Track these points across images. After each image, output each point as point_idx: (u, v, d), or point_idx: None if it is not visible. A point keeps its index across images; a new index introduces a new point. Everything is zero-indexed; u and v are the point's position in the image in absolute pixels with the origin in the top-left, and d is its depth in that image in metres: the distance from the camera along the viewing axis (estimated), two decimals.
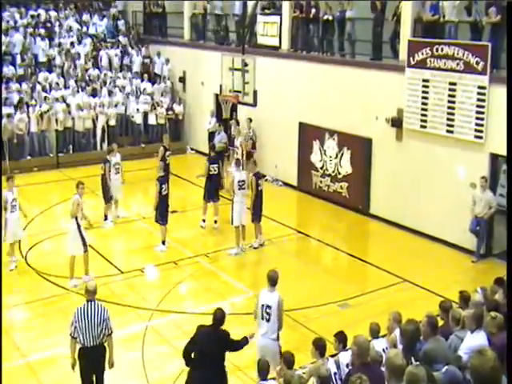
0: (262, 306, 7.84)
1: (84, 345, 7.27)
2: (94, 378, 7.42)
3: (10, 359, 8.96)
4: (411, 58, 13.62)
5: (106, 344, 7.37)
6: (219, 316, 7.15)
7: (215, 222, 14.33)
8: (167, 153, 15.41)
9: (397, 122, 14.08)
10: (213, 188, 14.34)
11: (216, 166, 14.37)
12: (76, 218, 11.30)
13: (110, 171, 14.28)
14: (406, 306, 9.27)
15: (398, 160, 14.27)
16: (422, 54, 13.39)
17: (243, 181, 13.00)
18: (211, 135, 19.66)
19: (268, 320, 7.78)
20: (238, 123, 18.41)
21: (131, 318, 9.79)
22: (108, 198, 14.35)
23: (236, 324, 10.08)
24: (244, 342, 7.40)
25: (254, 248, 13.21)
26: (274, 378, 6.80)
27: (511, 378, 4.12)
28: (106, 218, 14.44)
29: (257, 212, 13.09)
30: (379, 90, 14.51)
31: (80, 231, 11.34)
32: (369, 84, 14.81)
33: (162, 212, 12.92)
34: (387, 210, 14.62)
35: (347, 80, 15.48)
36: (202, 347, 6.99)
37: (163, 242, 12.96)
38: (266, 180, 17.97)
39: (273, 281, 7.88)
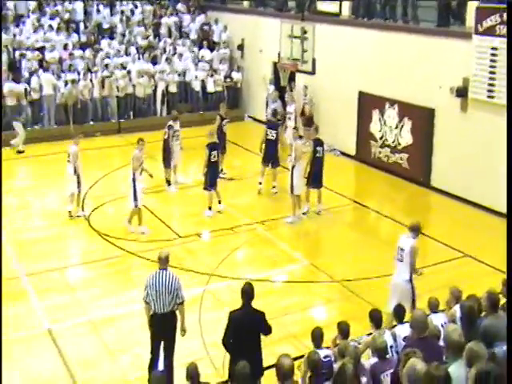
0: (398, 247, 8.63)
1: (155, 311, 7.37)
2: (163, 343, 7.53)
3: (74, 316, 9.35)
4: (479, 25, 13.08)
5: (177, 312, 7.46)
6: (247, 290, 6.94)
7: (273, 187, 14.40)
8: (224, 121, 15.43)
9: (462, 92, 13.63)
10: (271, 153, 14.37)
11: (274, 131, 14.39)
12: (133, 173, 11.76)
13: (172, 137, 14.48)
14: (466, 282, 9.12)
15: (462, 131, 13.85)
16: (491, 20, 12.83)
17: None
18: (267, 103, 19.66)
19: (401, 261, 8.47)
20: (291, 90, 18.20)
21: (189, 281, 9.96)
22: (169, 163, 14.58)
23: (291, 292, 10.22)
24: None
25: (317, 214, 13.19)
26: (328, 347, 6.83)
27: (511, 378, 4.04)
28: (168, 184, 14.69)
29: (314, 178, 13.01)
30: (444, 58, 14.05)
31: (134, 186, 11.78)
32: (433, 52, 14.35)
33: (211, 179, 13.03)
34: (449, 182, 14.28)
35: (410, 48, 15.04)
36: (237, 333, 6.84)
37: (209, 208, 13.11)
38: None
39: (415, 230, 8.59)
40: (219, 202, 13.30)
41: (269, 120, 15.00)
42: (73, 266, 10.95)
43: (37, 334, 8.92)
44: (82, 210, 13.23)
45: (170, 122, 14.73)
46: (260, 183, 14.51)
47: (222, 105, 16.36)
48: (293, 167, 12.81)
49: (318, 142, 13.13)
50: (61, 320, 9.24)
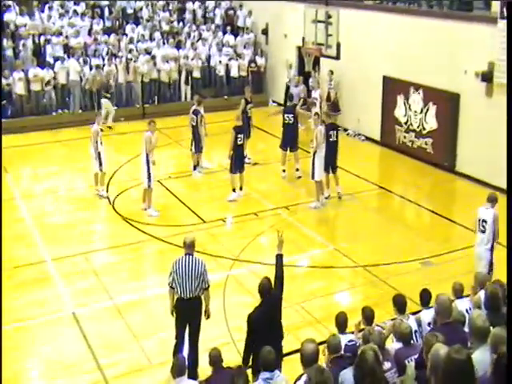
0: (479, 220, 9.21)
1: (180, 296, 7.37)
2: (188, 328, 7.56)
3: (99, 300, 9.48)
4: (504, 9, 12.82)
5: (202, 297, 7.49)
6: (266, 286, 6.78)
7: (297, 170, 14.43)
8: (248, 105, 15.39)
9: (487, 77, 13.40)
10: (289, 137, 14.42)
11: (292, 115, 14.44)
12: (147, 155, 12.00)
13: (200, 122, 14.61)
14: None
15: (488, 116, 13.65)
16: None
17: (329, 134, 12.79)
18: (288, 87, 19.63)
19: (483, 232, 9.08)
20: (316, 75, 18.08)
21: (213, 266, 9.99)
22: (198, 148, 14.66)
23: (315, 277, 10.24)
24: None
25: (339, 198, 13.19)
26: (352, 332, 6.83)
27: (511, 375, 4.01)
28: (194, 168, 14.78)
29: (329, 163, 12.93)
30: (469, 42, 13.81)
31: (148, 168, 12.10)
32: (458, 36, 14.13)
33: (236, 161, 13.09)
34: (474, 167, 14.11)
35: (435, 32, 14.82)
36: (258, 332, 6.69)
37: (234, 190, 13.19)
38: (348, 134, 17.83)
39: (493, 200, 9.15)
40: (240, 188, 13.35)
41: (285, 105, 14.94)
42: (98, 251, 11.07)
43: (62, 318, 9.06)
44: (107, 190, 13.40)
45: (195, 107, 14.76)
46: (284, 171, 14.54)
47: (247, 88, 16.31)
48: (314, 153, 12.73)
49: (332, 126, 13.12)
50: (85, 304, 9.37)
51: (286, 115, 14.50)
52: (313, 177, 12.71)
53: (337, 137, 13.12)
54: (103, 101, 18.44)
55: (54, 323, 8.94)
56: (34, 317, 9.03)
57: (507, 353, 4.22)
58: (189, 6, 23.05)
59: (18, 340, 8.57)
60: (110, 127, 18.07)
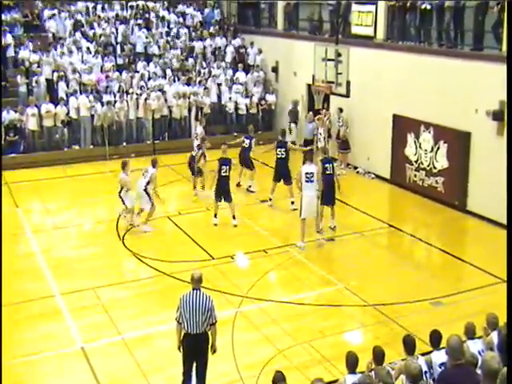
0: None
1: (188, 331, 7.35)
2: (195, 364, 7.52)
3: (107, 335, 9.42)
4: None
5: (209, 332, 7.45)
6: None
7: (292, 203, 14.60)
8: (246, 141, 16.01)
9: (499, 116, 13.43)
10: (281, 171, 14.95)
11: (283, 149, 14.94)
12: (146, 186, 13.27)
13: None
14: (503, 308, 8.86)
15: (499, 155, 13.60)
16: None
17: (311, 173, 12.57)
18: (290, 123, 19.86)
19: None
20: (319, 114, 18.17)
21: (222, 303, 9.95)
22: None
23: (324, 316, 10.12)
24: None
25: (331, 229, 13.26)
26: (362, 372, 6.72)
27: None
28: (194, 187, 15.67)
29: (326, 196, 13.07)
30: (480, 81, 13.92)
31: (147, 193, 13.33)
32: (469, 75, 14.24)
33: (219, 190, 13.64)
34: (486, 207, 14.01)
35: (445, 71, 14.94)
36: None
37: (215, 216, 13.78)
38: (358, 172, 17.85)
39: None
40: (233, 218, 13.74)
41: (279, 140, 15.55)
42: (107, 286, 11.02)
43: (70, 353, 8.99)
44: (116, 227, 13.58)
45: (200, 142, 15.64)
46: (270, 199, 15.11)
47: (251, 127, 16.90)
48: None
49: (327, 160, 13.31)
50: (94, 339, 9.31)
51: (278, 149, 15.01)
52: (300, 214, 12.65)
53: (333, 170, 13.22)
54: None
55: (62, 358, 8.89)
56: (42, 351, 8.98)
57: (507, 353, 4.13)
58: (199, 43, 23.44)
59: (26, 374, 8.52)
60: None
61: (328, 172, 13.09)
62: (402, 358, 6.86)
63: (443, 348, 6.46)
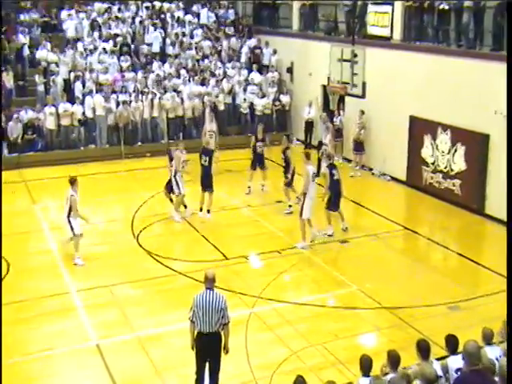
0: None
1: (201, 331, 7.36)
2: (208, 364, 7.52)
3: (121, 333, 9.45)
4: None
5: (222, 332, 7.44)
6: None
7: (289, 206, 14.59)
8: (258, 143, 15.91)
9: None
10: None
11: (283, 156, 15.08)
12: (175, 172, 13.80)
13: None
14: None
15: None
16: None
17: (314, 173, 13.06)
18: (307, 125, 20.09)
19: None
20: (327, 119, 18.07)
21: (235, 303, 9.93)
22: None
23: (338, 318, 10.05)
24: None
25: (329, 235, 13.15)
26: (376, 376, 6.64)
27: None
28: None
29: (334, 202, 13.10)
30: (499, 82, 13.69)
31: (176, 179, 13.77)
32: (487, 76, 14.07)
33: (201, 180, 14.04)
34: (505, 210, 13.80)
35: (463, 71, 14.80)
36: None
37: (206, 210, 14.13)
38: (373, 174, 17.75)
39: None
40: (207, 210, 14.06)
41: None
42: (121, 284, 11.05)
43: (85, 349, 9.03)
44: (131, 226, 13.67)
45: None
46: (249, 187, 15.75)
47: (260, 126, 16.67)
48: (304, 194, 12.70)
49: (333, 166, 13.37)
50: (108, 336, 9.34)
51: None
52: (301, 215, 12.64)
53: (338, 175, 13.32)
54: None
55: (77, 354, 8.93)
56: (57, 347, 9.02)
57: (507, 353, 4.06)
58: (214, 43, 23.42)
59: (41, 370, 8.56)
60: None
61: (336, 178, 13.15)
62: (418, 363, 6.78)
63: (459, 353, 6.38)
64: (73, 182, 11.54)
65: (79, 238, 11.69)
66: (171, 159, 14.26)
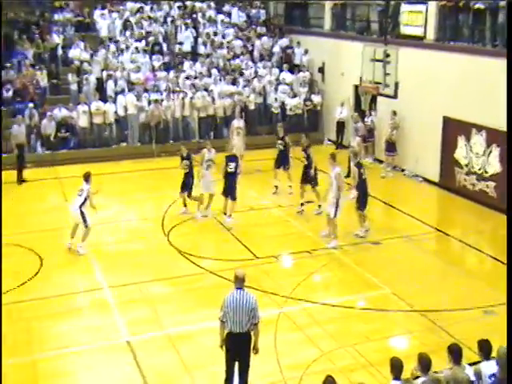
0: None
1: (231, 330, 7.36)
2: (237, 364, 7.53)
3: (152, 330, 9.52)
4: None
5: (252, 332, 7.43)
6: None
7: (319, 206, 14.41)
8: (279, 141, 15.86)
9: None
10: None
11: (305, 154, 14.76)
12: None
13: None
14: None
15: None
16: None
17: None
18: (339, 125, 20.01)
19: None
20: (359, 119, 17.90)
21: (265, 302, 9.90)
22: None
23: (369, 320, 9.95)
24: None
25: (360, 237, 13.02)
26: (407, 379, 6.55)
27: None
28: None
29: (362, 201, 12.99)
30: None
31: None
32: None
33: (225, 187, 13.72)
34: None
35: (499, 72, 14.50)
36: None
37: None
38: (405, 174, 17.55)
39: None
40: (229, 215, 13.77)
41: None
42: (152, 281, 11.13)
43: (116, 345, 9.11)
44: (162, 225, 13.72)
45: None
46: (276, 186, 15.79)
47: (280, 126, 16.49)
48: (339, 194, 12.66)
49: (360, 165, 13.23)
50: (139, 333, 9.41)
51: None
52: (335, 215, 12.56)
53: (365, 174, 13.22)
54: None
55: (108, 350, 9.02)
56: (88, 342, 9.13)
57: (507, 353, 3.96)
58: (246, 43, 23.45)
59: (71, 365, 8.68)
60: None
61: (364, 177, 13.06)
62: (450, 367, 6.67)
63: (493, 358, 6.26)
64: (87, 177, 12.27)
65: (89, 229, 12.25)
66: (183, 158, 14.44)
